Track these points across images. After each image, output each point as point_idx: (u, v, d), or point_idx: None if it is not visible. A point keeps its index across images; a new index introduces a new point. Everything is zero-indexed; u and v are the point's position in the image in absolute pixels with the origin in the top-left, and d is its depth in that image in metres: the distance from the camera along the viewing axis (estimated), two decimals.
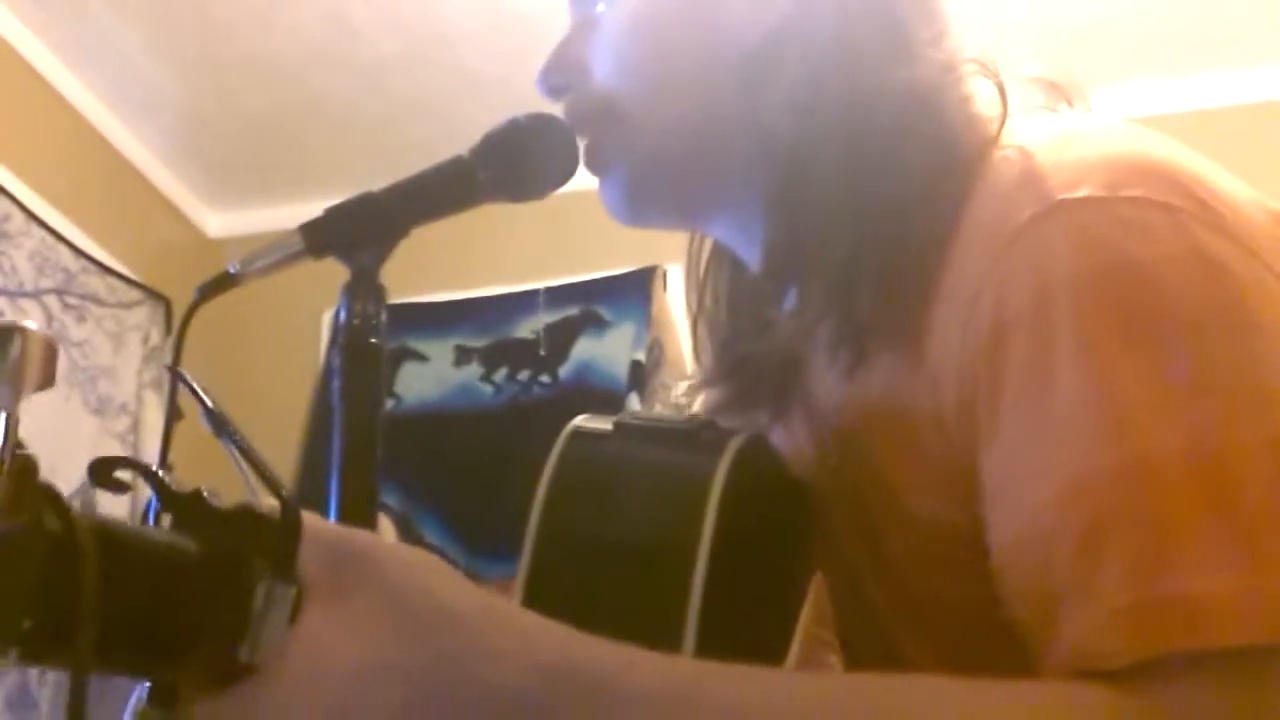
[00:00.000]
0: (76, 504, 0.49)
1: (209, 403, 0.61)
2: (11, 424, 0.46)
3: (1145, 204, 0.62)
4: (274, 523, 0.54)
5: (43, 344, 0.47)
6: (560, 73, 0.85)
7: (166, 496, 0.55)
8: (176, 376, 0.64)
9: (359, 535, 0.58)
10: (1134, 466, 0.57)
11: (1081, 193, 0.63)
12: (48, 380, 0.48)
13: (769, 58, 0.78)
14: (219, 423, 0.60)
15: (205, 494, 0.55)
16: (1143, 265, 0.60)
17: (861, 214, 0.72)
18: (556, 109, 0.86)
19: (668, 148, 0.82)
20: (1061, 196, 0.63)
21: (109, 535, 0.50)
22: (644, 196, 0.85)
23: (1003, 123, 0.73)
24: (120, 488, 0.53)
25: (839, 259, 0.73)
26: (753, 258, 0.84)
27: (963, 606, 0.69)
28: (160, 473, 0.54)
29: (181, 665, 0.53)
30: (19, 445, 0.47)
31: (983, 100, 0.75)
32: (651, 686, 0.56)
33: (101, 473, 0.53)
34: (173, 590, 0.52)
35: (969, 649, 0.68)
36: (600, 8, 0.84)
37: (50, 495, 0.48)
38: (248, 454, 0.58)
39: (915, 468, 0.71)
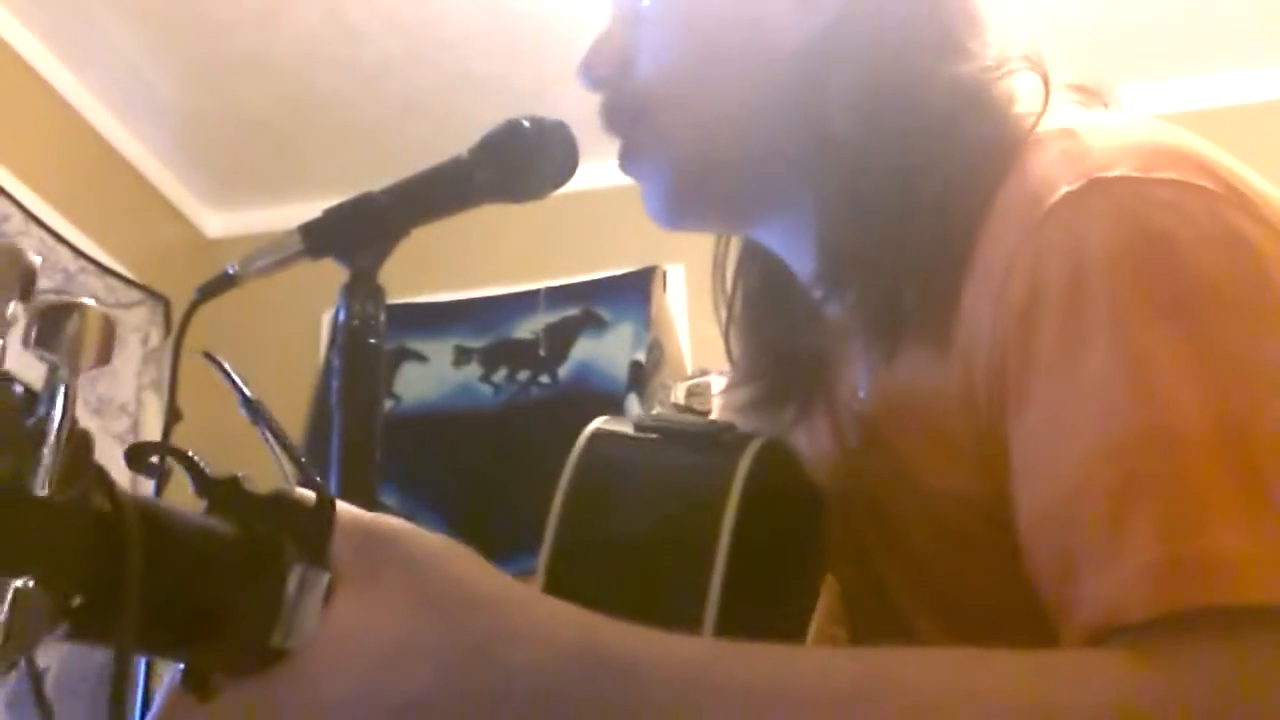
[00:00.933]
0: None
1: (247, 392, 0.61)
2: (71, 397, 0.46)
3: (1179, 185, 0.64)
4: (308, 509, 0.55)
5: (101, 320, 0.48)
6: (602, 65, 0.83)
7: (202, 482, 0.55)
8: (214, 364, 0.64)
9: (387, 521, 0.59)
10: (1162, 431, 0.58)
11: (1116, 172, 0.64)
12: (105, 356, 0.48)
13: (820, 57, 0.77)
14: (256, 411, 0.60)
15: (241, 480, 0.55)
16: (1175, 241, 0.62)
17: (911, 211, 0.73)
18: (558, 110, 0.86)
19: (712, 147, 0.81)
20: (1097, 174, 0.64)
21: (153, 517, 0.50)
22: (687, 199, 0.84)
23: (1042, 114, 0.73)
24: (155, 473, 0.54)
25: (888, 257, 0.73)
26: (803, 257, 0.83)
27: (984, 595, 0.70)
28: (196, 457, 0.55)
29: (216, 649, 0.53)
30: (74, 420, 0.47)
31: (1025, 95, 0.76)
32: (671, 663, 0.57)
33: (138, 458, 0.53)
34: (210, 574, 0.52)
35: (998, 643, 0.69)
36: (645, 2, 0.83)
37: (99, 474, 0.48)
38: (283, 442, 0.58)
39: (942, 450, 0.72)
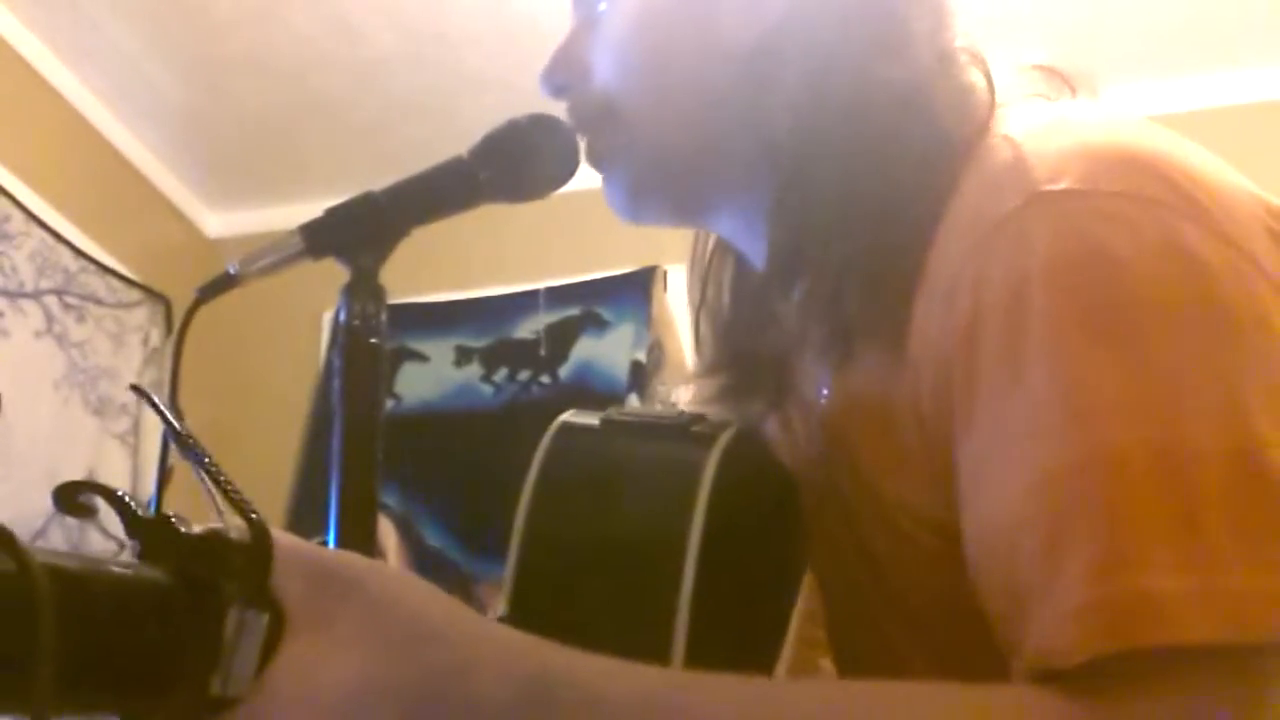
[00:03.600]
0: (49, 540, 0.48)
1: (176, 424, 0.59)
2: None
3: (1125, 198, 0.62)
4: (244, 548, 0.53)
5: None
6: (562, 72, 0.86)
7: (133, 522, 0.53)
8: (143, 397, 0.63)
9: (339, 556, 0.59)
10: (1096, 462, 0.57)
11: (1062, 185, 0.63)
12: None
13: (769, 57, 0.78)
14: (185, 445, 0.58)
15: (173, 519, 0.54)
16: (1119, 260, 0.60)
17: (856, 213, 0.73)
18: (558, 109, 0.86)
19: (669, 146, 0.83)
20: (1042, 189, 0.63)
21: (66, 572, 0.49)
22: (646, 194, 0.86)
23: (992, 113, 0.73)
24: (85, 512, 0.53)
25: (834, 260, 0.73)
26: (756, 255, 0.84)
27: (945, 600, 0.70)
28: (126, 497, 0.53)
29: (152, 700, 0.52)
30: None
31: (976, 91, 0.76)
32: (629, 695, 0.57)
33: (66, 497, 0.52)
34: (138, 624, 0.51)
35: (958, 643, 0.69)
36: (602, 7, 0.84)
37: (3, 538, 0.47)
38: (215, 476, 0.56)
39: (894, 459, 0.71)
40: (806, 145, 0.75)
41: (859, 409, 0.76)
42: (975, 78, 0.76)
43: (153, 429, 2.85)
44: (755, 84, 0.78)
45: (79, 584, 0.50)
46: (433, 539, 2.87)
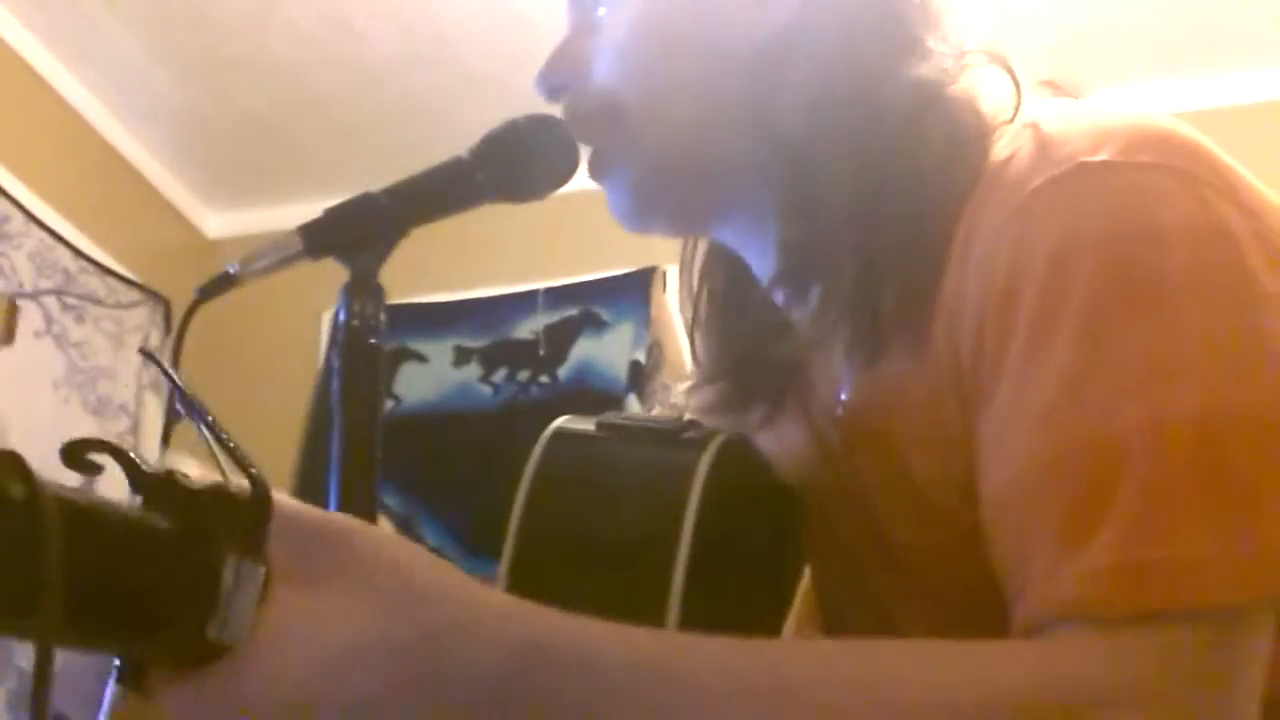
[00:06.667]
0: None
1: (181, 385, 0.60)
2: None
3: (1162, 170, 0.64)
4: (244, 502, 0.54)
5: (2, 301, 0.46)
6: (560, 72, 0.85)
7: (138, 477, 0.54)
8: (149, 359, 0.64)
9: (333, 518, 0.59)
10: (1136, 430, 0.58)
11: (1100, 157, 0.64)
12: (7, 337, 0.47)
13: (776, 58, 0.78)
14: (190, 405, 0.59)
15: (177, 475, 0.54)
16: (1157, 231, 0.62)
17: (875, 211, 0.73)
18: (556, 110, 0.86)
19: (674, 149, 0.82)
20: (1081, 160, 0.64)
21: (75, 506, 0.49)
22: (651, 200, 0.85)
23: (1016, 106, 0.73)
24: (93, 469, 0.53)
25: (856, 258, 0.73)
26: (763, 259, 0.84)
27: (970, 586, 0.70)
28: (131, 453, 0.54)
29: (150, 641, 0.53)
30: None
31: (992, 89, 0.76)
32: (628, 658, 0.57)
33: (73, 455, 0.53)
34: (141, 564, 0.52)
35: (969, 630, 0.69)
36: (601, 11, 0.84)
37: (14, 464, 0.47)
38: (218, 435, 0.57)
39: (931, 437, 0.72)
40: (818, 143, 0.75)
41: (890, 401, 0.76)
42: (993, 73, 0.77)
43: (152, 429, 2.86)
44: (762, 84, 0.78)
45: (85, 516, 0.50)
46: (432, 539, 2.87)
